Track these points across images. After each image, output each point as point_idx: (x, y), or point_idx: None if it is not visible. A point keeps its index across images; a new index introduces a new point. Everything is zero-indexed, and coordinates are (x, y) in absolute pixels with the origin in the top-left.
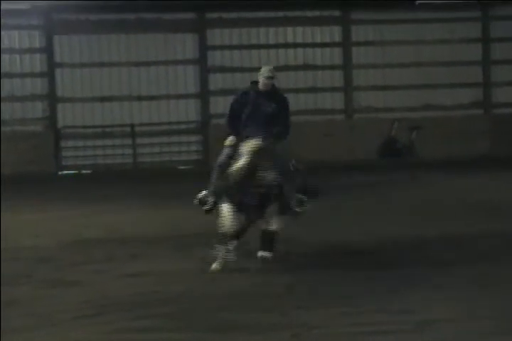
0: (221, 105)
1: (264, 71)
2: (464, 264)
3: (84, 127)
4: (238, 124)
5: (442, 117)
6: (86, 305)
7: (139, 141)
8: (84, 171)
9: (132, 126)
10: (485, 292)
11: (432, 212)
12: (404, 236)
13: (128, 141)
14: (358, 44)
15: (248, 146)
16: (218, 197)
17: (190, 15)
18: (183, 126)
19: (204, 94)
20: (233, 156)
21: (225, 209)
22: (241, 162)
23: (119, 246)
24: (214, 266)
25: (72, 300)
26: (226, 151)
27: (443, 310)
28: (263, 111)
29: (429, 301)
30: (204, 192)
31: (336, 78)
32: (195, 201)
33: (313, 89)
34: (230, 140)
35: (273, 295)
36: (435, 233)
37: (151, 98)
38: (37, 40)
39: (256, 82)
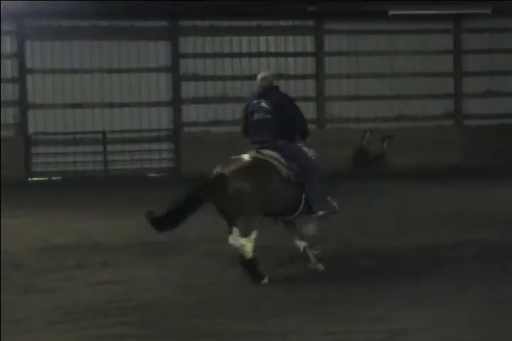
0: (193, 113)
1: None
2: (437, 274)
3: (55, 133)
4: None
5: (414, 128)
6: (57, 312)
7: (110, 148)
8: (54, 178)
9: (104, 133)
10: (458, 301)
11: (405, 222)
12: (378, 246)
13: (99, 148)
14: (331, 54)
15: None
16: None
17: (163, 23)
18: (154, 134)
19: (176, 102)
20: None
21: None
22: None
23: (91, 254)
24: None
25: (44, 307)
26: None
27: (416, 318)
28: None
29: (402, 310)
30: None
31: (309, 88)
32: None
33: None
34: None
35: (247, 303)
36: (408, 243)
37: (123, 105)
38: (8, 46)
39: None
